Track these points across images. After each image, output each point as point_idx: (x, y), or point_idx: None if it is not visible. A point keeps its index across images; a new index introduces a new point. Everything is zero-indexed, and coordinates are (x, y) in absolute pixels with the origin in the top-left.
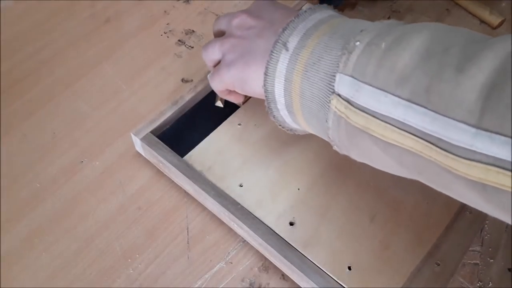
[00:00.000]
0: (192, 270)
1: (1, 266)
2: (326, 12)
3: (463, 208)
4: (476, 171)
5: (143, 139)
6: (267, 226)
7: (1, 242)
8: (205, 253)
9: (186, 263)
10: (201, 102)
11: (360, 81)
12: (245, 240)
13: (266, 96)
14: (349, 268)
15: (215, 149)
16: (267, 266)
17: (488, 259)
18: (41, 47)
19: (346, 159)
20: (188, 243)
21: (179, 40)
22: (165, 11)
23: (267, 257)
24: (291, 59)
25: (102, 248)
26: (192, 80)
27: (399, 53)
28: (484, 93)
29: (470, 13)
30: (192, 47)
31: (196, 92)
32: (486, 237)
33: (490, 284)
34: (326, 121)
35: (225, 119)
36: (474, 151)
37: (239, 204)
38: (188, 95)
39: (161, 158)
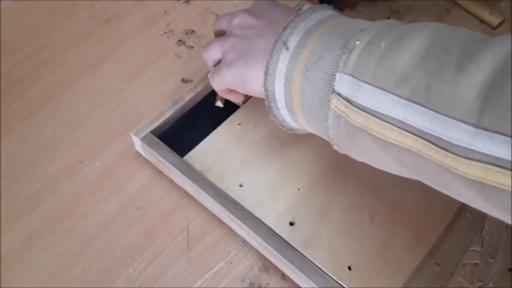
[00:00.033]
0: (192, 270)
1: (1, 266)
2: (326, 11)
3: (463, 208)
4: (476, 170)
5: (143, 139)
6: (267, 226)
7: (1, 242)
8: (205, 253)
9: (186, 263)
10: (201, 102)
11: (360, 80)
12: (245, 240)
13: (266, 95)
14: (349, 268)
15: (215, 149)
16: (267, 266)
17: (488, 259)
18: (41, 47)
19: (346, 159)
20: (188, 243)
21: (179, 40)
22: (165, 11)
23: (267, 257)
24: (291, 58)
25: (102, 248)
26: (192, 80)
27: (399, 52)
28: (484, 93)
29: (470, 13)
30: (192, 47)
31: (196, 92)
32: (486, 237)
33: (490, 284)
34: (326, 120)
35: (225, 119)
36: (474, 150)
37: (239, 204)
38: (188, 95)
39: (161, 158)
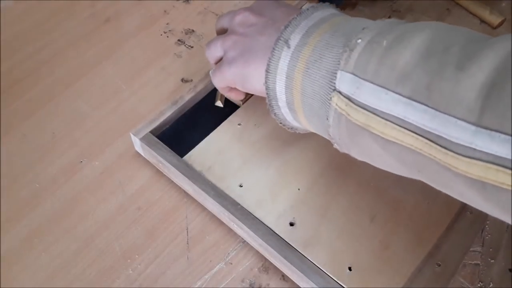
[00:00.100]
0: (192, 270)
1: (1, 266)
2: (328, 10)
3: (463, 208)
4: (476, 169)
5: (143, 139)
6: (267, 226)
7: (1, 242)
8: (205, 253)
9: (186, 263)
10: (201, 102)
11: (361, 78)
12: (245, 241)
13: (267, 94)
14: (350, 269)
15: (215, 149)
16: (267, 266)
17: (489, 259)
18: (41, 47)
19: (346, 159)
20: (187, 243)
21: (179, 40)
22: (165, 11)
23: (267, 258)
24: (292, 56)
25: (101, 248)
26: (192, 80)
27: (400, 51)
28: (484, 92)
29: (470, 12)
30: (192, 47)
31: (196, 92)
32: (487, 237)
33: (491, 285)
34: (327, 118)
35: (225, 119)
36: (474, 149)
37: (239, 204)
38: (188, 95)
39: (160, 158)
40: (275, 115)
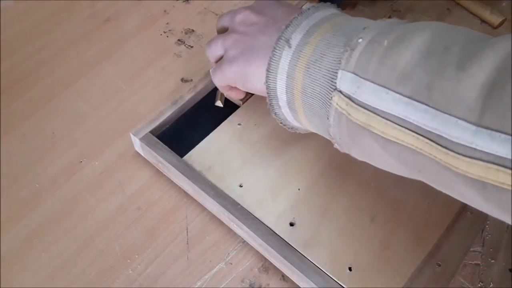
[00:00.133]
0: (192, 270)
1: (1, 266)
2: (329, 10)
3: (464, 208)
4: (476, 169)
5: (142, 139)
6: (267, 226)
7: (1, 242)
8: (205, 253)
9: (186, 263)
10: (201, 101)
11: (362, 77)
12: (245, 241)
13: (268, 93)
14: (350, 269)
15: (215, 149)
16: (267, 266)
17: (489, 259)
18: (41, 47)
19: (347, 159)
20: (187, 243)
21: (178, 40)
22: (164, 11)
23: (267, 258)
24: (293, 56)
25: (101, 248)
26: (191, 80)
27: (401, 51)
28: (485, 92)
29: (470, 12)
30: (192, 47)
31: (196, 91)
32: (487, 237)
33: (491, 285)
34: (328, 118)
35: (225, 119)
36: (475, 149)
37: (239, 204)
38: (187, 95)
39: (160, 158)
40: (275, 114)
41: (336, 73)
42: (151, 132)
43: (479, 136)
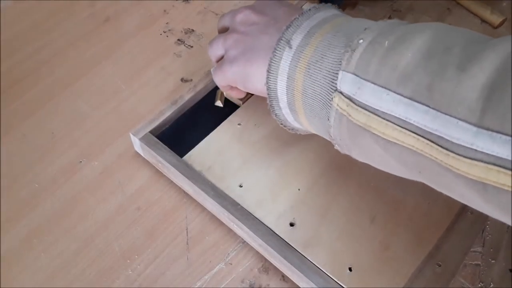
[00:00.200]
0: (192, 271)
1: (1, 266)
2: (330, 11)
3: (464, 208)
4: (477, 170)
5: (142, 139)
6: (267, 226)
7: (1, 242)
8: (205, 254)
9: (186, 264)
10: (201, 101)
11: (363, 78)
12: (245, 241)
13: (268, 94)
14: (350, 269)
15: (215, 149)
16: (267, 267)
17: (490, 259)
18: (41, 47)
19: (347, 160)
20: (187, 243)
21: (178, 40)
22: (164, 11)
23: (267, 258)
24: (294, 56)
25: (101, 249)
26: (191, 80)
27: (402, 52)
28: (485, 93)
29: (471, 12)
30: (192, 47)
31: (196, 91)
32: (488, 237)
33: (492, 285)
34: (328, 119)
35: (225, 118)
36: (475, 150)
37: (239, 204)
38: (187, 95)
39: (160, 158)
40: (276, 115)
41: (337, 74)
42: (151, 132)
43: (479, 137)
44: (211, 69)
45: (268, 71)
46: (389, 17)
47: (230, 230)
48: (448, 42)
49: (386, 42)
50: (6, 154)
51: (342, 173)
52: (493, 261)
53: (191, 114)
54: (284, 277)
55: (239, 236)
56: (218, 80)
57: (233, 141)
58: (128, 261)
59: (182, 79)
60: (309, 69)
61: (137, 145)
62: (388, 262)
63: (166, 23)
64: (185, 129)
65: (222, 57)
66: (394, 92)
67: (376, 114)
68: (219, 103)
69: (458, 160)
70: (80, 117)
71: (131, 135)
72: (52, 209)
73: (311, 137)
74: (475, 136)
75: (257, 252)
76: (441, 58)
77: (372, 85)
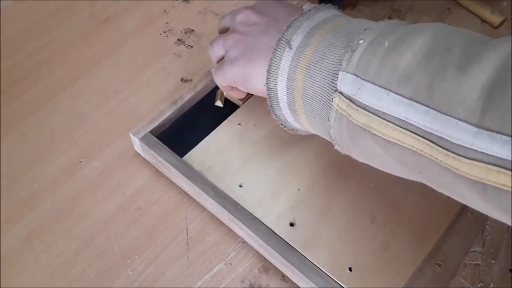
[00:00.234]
0: (192, 271)
1: (1, 266)
2: (330, 11)
3: (464, 208)
4: (477, 171)
5: (142, 139)
6: (267, 226)
7: (1, 242)
8: (205, 254)
9: (186, 264)
10: (201, 101)
11: (363, 79)
12: (245, 241)
13: (268, 94)
14: (350, 269)
15: (215, 149)
16: (267, 267)
17: (490, 259)
18: (41, 47)
19: (347, 160)
20: (187, 243)
21: (178, 40)
22: (164, 11)
23: (267, 258)
24: (294, 57)
25: (101, 249)
26: (191, 80)
27: (402, 52)
28: (486, 93)
29: (471, 12)
30: (192, 47)
31: (196, 91)
32: (488, 237)
33: (492, 285)
34: (328, 119)
35: (225, 118)
36: (475, 150)
37: (239, 204)
38: (187, 95)
39: (160, 158)
40: (276, 116)
41: (337, 74)
42: (151, 132)
43: (479, 138)
44: (212, 70)
45: (268, 72)
46: (389, 17)
47: (230, 230)
48: (448, 42)
49: (386, 42)
50: (6, 154)
51: (342, 173)
52: (493, 261)
53: (191, 114)
54: (284, 277)
55: (239, 236)
56: (219, 80)
57: (233, 141)
58: (128, 261)
59: (182, 79)
60: (309, 69)
61: (137, 145)
62: (388, 262)
63: (166, 23)
64: (185, 129)
65: (222, 58)
66: (394, 92)
67: (376, 115)
68: (219, 103)
69: (458, 161)
70: (80, 117)
71: (131, 135)
72: (52, 209)
73: (311, 138)
74: (475, 136)
75: (257, 252)
76: (441, 58)
77: (372, 85)
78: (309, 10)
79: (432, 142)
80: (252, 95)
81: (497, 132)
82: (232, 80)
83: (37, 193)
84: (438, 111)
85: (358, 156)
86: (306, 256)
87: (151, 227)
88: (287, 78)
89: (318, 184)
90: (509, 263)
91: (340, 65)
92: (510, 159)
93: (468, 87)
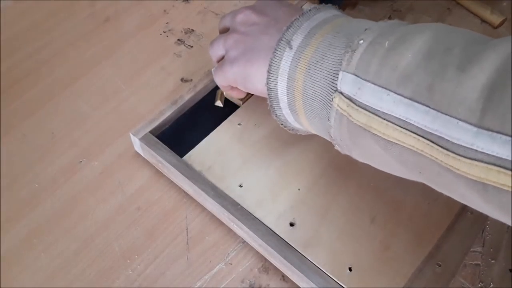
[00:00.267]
0: (192, 271)
1: (1, 266)
2: (331, 11)
3: (464, 208)
4: (477, 171)
5: (142, 139)
6: (267, 226)
7: (1, 242)
8: (205, 254)
9: (186, 264)
10: (201, 101)
11: (363, 79)
12: (245, 241)
13: (268, 94)
14: (350, 269)
15: (215, 149)
16: (267, 267)
17: (490, 259)
18: (41, 47)
19: (347, 160)
20: (187, 243)
21: (178, 40)
22: (164, 11)
23: (267, 258)
24: (294, 57)
25: (101, 249)
26: (191, 80)
27: (402, 52)
28: (486, 93)
29: (471, 12)
30: (192, 47)
31: (196, 91)
32: (488, 237)
33: (492, 285)
34: (328, 119)
35: (225, 118)
36: (475, 150)
37: (239, 204)
38: (187, 95)
39: (160, 158)
40: (276, 116)
41: (337, 74)
42: (151, 132)
43: (479, 138)
44: (212, 69)
45: (268, 72)
46: (389, 17)
47: (230, 230)
48: (448, 42)
49: (387, 42)
50: (6, 154)
51: (342, 173)
52: (493, 261)
53: (191, 114)
54: (284, 277)
55: (239, 236)
56: (219, 80)
57: (233, 141)
58: (128, 261)
59: (182, 79)
60: (309, 69)
61: (137, 145)
62: (388, 262)
63: (166, 23)
64: (185, 129)
65: (223, 57)
66: (395, 92)
67: (376, 115)
68: (219, 103)
69: (458, 161)
70: (80, 117)
71: (131, 135)
72: (52, 209)
73: (311, 138)
74: (475, 136)
75: (257, 252)
76: (441, 58)
77: (373, 85)
78: (309, 10)
79: (432, 142)
80: (252, 95)
81: (497, 132)
82: (232, 80)
83: (37, 193)
84: (438, 111)
85: (358, 156)
86: (306, 256)
87: (151, 227)
88: (287, 78)
89: (318, 184)
90: (509, 263)
91: (340, 65)
92: (510, 159)
93: (468, 87)
